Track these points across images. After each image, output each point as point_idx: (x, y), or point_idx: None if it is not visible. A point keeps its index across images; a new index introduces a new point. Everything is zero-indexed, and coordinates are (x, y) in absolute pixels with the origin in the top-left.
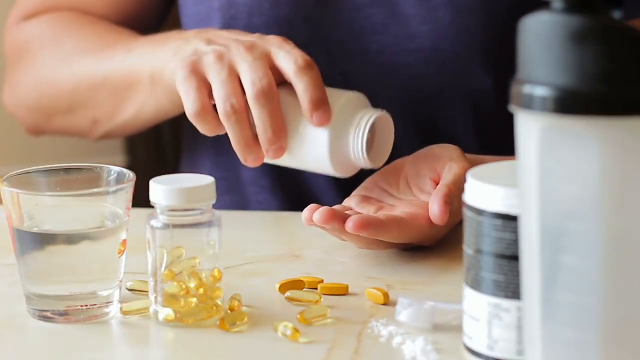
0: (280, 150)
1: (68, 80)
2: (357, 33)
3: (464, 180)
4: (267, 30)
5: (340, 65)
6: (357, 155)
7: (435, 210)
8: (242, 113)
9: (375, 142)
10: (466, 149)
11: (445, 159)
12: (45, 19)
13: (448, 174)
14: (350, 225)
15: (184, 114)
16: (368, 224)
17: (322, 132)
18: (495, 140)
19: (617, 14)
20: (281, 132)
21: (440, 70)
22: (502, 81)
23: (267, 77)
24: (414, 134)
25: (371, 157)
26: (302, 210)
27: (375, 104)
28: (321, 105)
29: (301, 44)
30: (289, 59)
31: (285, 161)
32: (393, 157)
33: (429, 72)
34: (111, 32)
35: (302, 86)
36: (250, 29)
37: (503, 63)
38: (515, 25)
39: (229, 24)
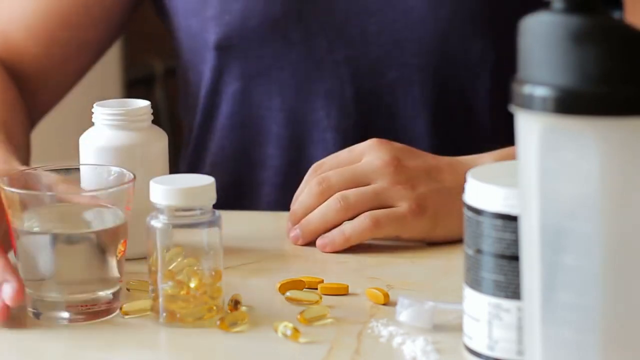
0: None
1: None
2: (354, 17)
3: None
4: (262, 30)
5: (342, 52)
6: None
7: None
8: None
9: None
10: (484, 114)
11: None
12: None
13: None
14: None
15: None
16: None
17: None
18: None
19: (617, 14)
20: None
21: (442, 40)
22: (503, 45)
23: None
24: (426, 111)
25: None
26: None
27: (383, 86)
28: None
29: (300, 38)
30: None
31: None
32: (411, 137)
33: (431, 45)
34: None
35: None
36: (247, 31)
37: (502, 27)
38: None
39: (224, 31)
